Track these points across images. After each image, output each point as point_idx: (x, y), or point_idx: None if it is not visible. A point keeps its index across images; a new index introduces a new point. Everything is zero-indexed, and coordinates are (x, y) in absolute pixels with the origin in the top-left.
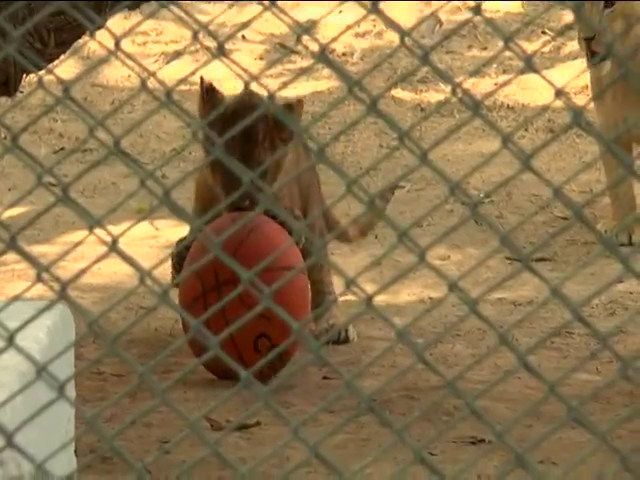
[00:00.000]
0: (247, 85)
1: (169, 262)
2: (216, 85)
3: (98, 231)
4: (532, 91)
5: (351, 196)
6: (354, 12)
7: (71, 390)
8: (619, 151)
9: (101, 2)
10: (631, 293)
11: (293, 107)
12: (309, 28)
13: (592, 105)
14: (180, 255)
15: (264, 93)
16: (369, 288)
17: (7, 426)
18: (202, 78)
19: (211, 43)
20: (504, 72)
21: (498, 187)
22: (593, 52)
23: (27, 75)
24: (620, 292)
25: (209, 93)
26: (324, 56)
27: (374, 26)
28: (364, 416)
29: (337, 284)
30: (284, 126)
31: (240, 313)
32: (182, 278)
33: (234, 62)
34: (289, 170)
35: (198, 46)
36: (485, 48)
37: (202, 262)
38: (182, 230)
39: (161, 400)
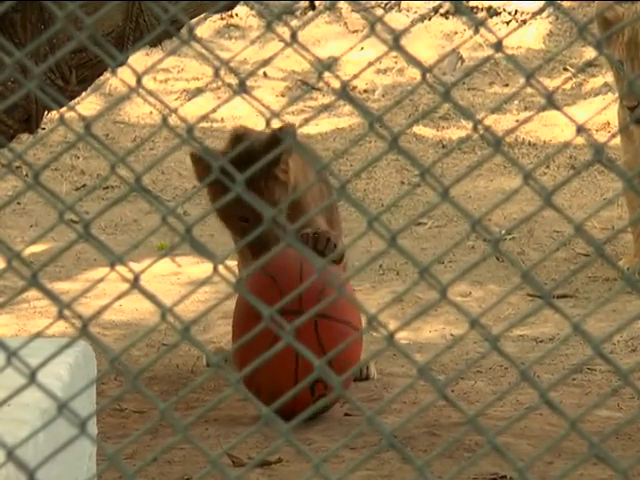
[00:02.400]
0: (268, 122)
1: (191, 299)
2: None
3: (119, 268)
4: (553, 128)
5: (372, 233)
6: (375, 49)
7: (92, 427)
8: None
9: (123, 39)
10: None
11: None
12: (330, 65)
13: (614, 142)
14: None
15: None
16: (391, 324)
17: (29, 463)
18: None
19: (232, 80)
20: (525, 109)
21: (519, 224)
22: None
23: (49, 112)
24: None
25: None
26: (345, 93)
27: (395, 63)
28: (386, 452)
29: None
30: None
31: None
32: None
33: (255, 99)
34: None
35: (219, 83)
36: (507, 85)
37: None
38: (204, 267)
39: (182, 437)
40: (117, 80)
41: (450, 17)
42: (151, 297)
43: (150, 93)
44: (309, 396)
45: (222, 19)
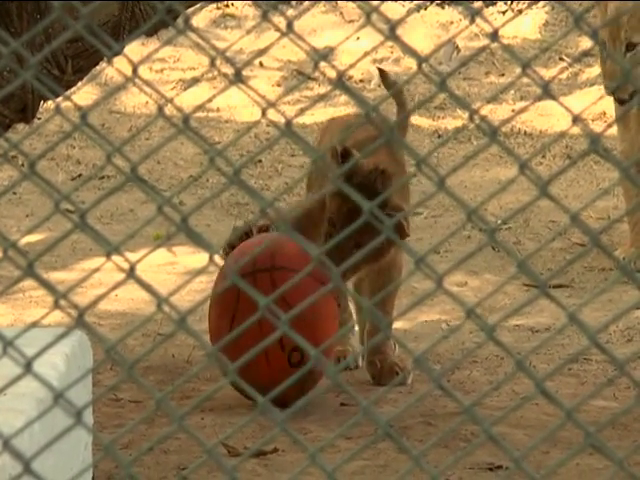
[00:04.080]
0: (264, 112)
1: (187, 288)
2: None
3: (115, 258)
4: (549, 117)
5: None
6: (371, 38)
7: (88, 417)
8: (638, 178)
9: (119, 28)
10: None
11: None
12: (326, 54)
13: (610, 132)
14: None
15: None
16: None
17: (25, 452)
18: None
19: (228, 70)
20: (521, 98)
21: (515, 213)
22: (621, 100)
23: (44, 102)
24: (638, 318)
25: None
26: (341, 82)
27: (391, 52)
28: (381, 442)
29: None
30: None
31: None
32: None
33: (251, 89)
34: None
35: (215, 73)
36: (502, 74)
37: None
38: (200, 257)
39: (178, 426)
40: (113, 70)
41: (446, 7)
42: (147, 287)
43: (146, 83)
44: (286, 364)
45: (218, 9)
